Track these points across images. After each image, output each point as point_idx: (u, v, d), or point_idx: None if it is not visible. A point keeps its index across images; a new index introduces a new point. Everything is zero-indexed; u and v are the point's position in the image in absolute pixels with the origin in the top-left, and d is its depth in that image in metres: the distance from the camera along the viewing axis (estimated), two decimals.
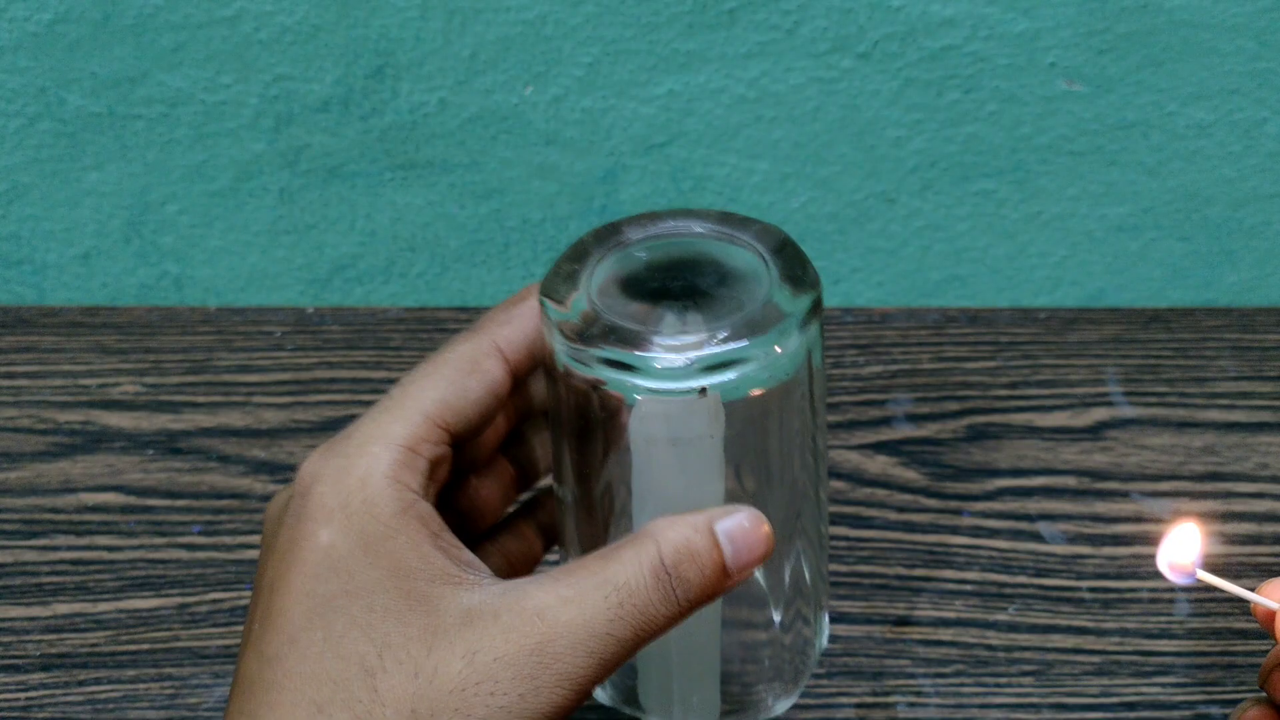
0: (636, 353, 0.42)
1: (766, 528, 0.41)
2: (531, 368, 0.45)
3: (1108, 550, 0.60)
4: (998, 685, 0.56)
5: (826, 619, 0.52)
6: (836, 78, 0.66)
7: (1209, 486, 0.63)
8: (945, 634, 0.58)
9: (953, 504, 0.62)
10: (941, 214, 0.70)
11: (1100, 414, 0.66)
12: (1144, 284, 0.72)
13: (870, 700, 0.56)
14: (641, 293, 0.44)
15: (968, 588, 0.59)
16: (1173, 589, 0.58)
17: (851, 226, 0.71)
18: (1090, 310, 0.71)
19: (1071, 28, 0.65)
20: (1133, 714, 0.55)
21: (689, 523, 0.40)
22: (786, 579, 0.48)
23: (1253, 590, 0.41)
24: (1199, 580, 0.43)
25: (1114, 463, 0.64)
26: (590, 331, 0.43)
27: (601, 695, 0.50)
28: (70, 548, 0.61)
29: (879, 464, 0.64)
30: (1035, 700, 0.55)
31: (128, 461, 0.65)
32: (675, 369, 0.42)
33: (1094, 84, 0.66)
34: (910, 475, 0.64)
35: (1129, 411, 0.66)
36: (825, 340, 0.72)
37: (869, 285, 0.73)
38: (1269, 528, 0.61)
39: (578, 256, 0.45)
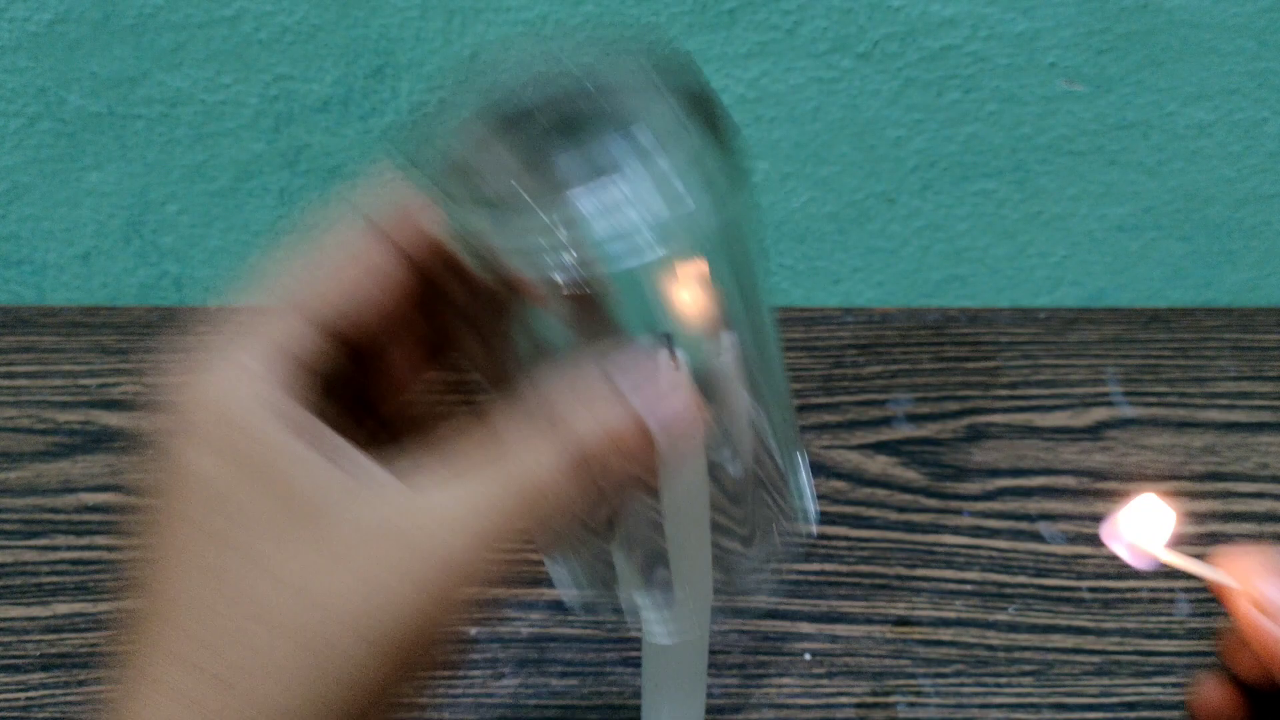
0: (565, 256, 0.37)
1: (694, 395, 0.37)
2: (431, 253, 0.40)
3: (1108, 550, 0.60)
4: (998, 685, 0.56)
5: (806, 483, 0.47)
6: (836, 78, 0.66)
7: (1209, 486, 0.63)
8: (945, 634, 0.58)
9: (953, 504, 0.62)
10: (941, 214, 0.70)
11: (1100, 414, 0.66)
12: (1144, 284, 0.72)
13: (870, 700, 0.56)
14: (549, 173, 0.38)
15: (968, 588, 0.59)
16: (1173, 589, 0.58)
17: (851, 226, 0.71)
18: (1090, 310, 0.71)
19: (1071, 28, 0.65)
20: (1133, 714, 0.55)
21: (606, 403, 0.37)
22: (748, 449, 0.44)
23: (1206, 559, 0.41)
24: (1160, 564, 0.42)
25: (1114, 463, 0.64)
26: (501, 235, 0.37)
27: (567, 593, 0.47)
28: (70, 548, 0.61)
29: (879, 464, 0.64)
30: (1035, 700, 0.55)
31: (128, 461, 0.64)
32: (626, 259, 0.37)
33: (1094, 84, 0.66)
34: (910, 475, 0.64)
35: (1129, 411, 0.66)
36: (825, 340, 0.72)
37: (869, 285, 0.73)
38: (1269, 528, 0.61)
39: (465, 140, 0.39)
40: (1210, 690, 0.41)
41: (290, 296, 0.39)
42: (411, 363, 0.42)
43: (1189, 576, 0.42)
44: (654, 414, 0.37)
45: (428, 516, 0.35)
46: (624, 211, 0.38)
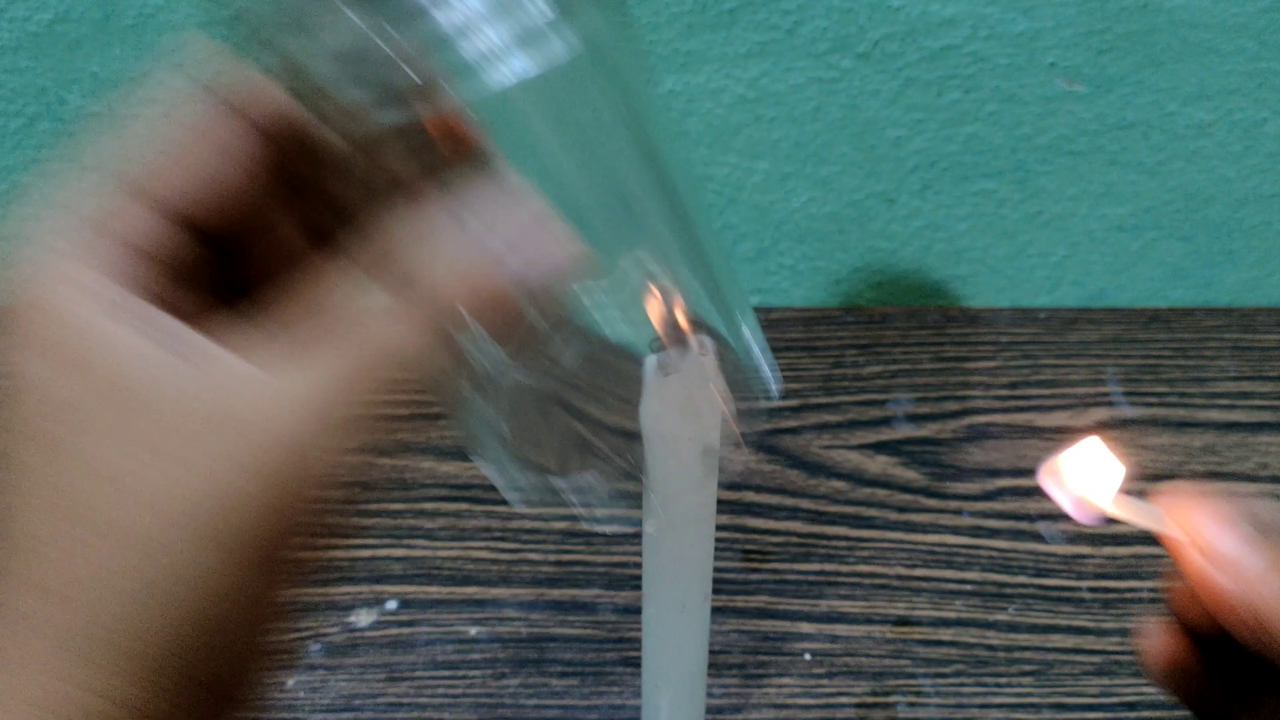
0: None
1: (564, 228, 0.33)
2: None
3: (1108, 550, 0.60)
4: (998, 685, 0.56)
5: (755, 346, 0.42)
6: (836, 78, 0.66)
7: (1209, 487, 0.63)
8: (945, 634, 0.58)
9: (953, 504, 0.62)
10: (941, 214, 0.70)
11: (1100, 414, 0.66)
12: (1144, 284, 0.72)
13: (870, 700, 0.56)
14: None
15: (968, 588, 0.59)
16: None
17: (851, 226, 0.71)
18: (1090, 310, 0.71)
19: (1071, 28, 0.65)
20: (1133, 714, 0.55)
21: (461, 250, 0.33)
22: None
23: (1149, 499, 0.40)
24: (1103, 517, 0.41)
25: None
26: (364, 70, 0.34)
27: (509, 494, 0.42)
28: None
29: (879, 464, 0.64)
30: (1035, 700, 0.55)
31: None
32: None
33: (1094, 84, 0.66)
34: (910, 475, 0.64)
35: (1129, 411, 0.66)
36: (825, 340, 0.72)
37: (869, 285, 0.73)
38: None
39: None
40: (1160, 638, 0.41)
41: (127, 181, 0.35)
42: (291, 245, 0.38)
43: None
44: (517, 253, 0.33)
45: (268, 400, 0.32)
46: (475, 28, 0.33)
